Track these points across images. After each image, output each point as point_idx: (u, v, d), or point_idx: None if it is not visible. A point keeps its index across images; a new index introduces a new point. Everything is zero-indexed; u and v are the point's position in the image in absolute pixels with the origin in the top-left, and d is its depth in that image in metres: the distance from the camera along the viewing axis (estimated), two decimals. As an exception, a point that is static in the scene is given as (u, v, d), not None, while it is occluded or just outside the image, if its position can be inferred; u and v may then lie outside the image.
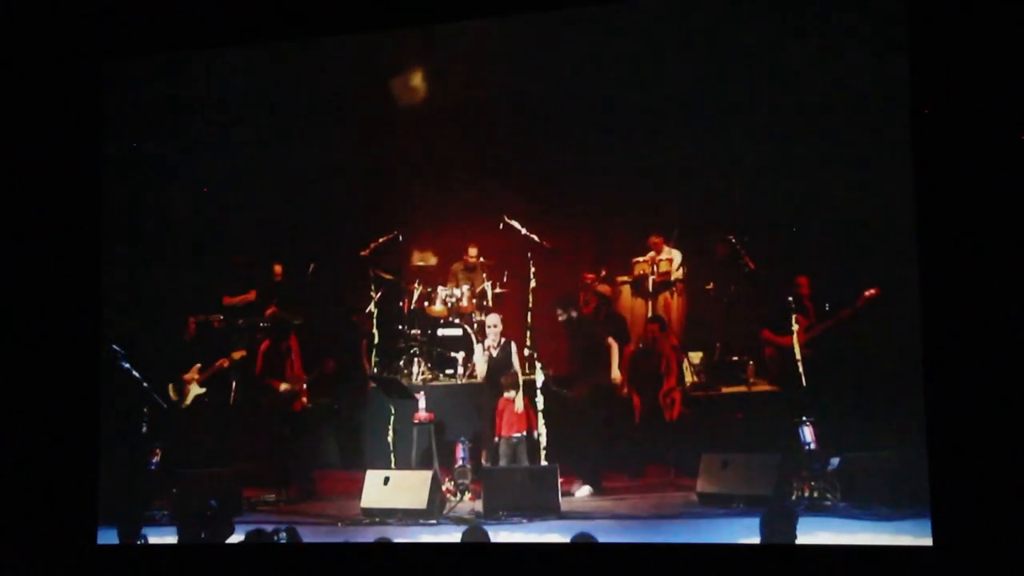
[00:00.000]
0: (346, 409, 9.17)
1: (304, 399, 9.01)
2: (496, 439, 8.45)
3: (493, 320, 8.75)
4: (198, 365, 9.20)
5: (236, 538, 7.11)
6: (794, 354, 8.23)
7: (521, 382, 8.51)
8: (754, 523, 7.01)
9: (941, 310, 6.54)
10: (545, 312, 8.87)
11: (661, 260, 9.15)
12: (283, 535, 7.00)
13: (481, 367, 8.69)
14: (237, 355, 9.27)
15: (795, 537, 6.11)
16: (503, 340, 8.65)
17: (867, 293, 7.92)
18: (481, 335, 9.04)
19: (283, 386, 8.95)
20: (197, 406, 9.18)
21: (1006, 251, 6.45)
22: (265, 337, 9.18)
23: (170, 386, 9.11)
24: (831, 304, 8.23)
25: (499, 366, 8.61)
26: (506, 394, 8.48)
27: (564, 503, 7.96)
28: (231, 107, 9.14)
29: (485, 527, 7.25)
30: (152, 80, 8.93)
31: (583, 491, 8.33)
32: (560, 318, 8.75)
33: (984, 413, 6.31)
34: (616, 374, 8.62)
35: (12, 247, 8.12)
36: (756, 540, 6.60)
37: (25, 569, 7.28)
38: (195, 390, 9.16)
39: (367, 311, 9.38)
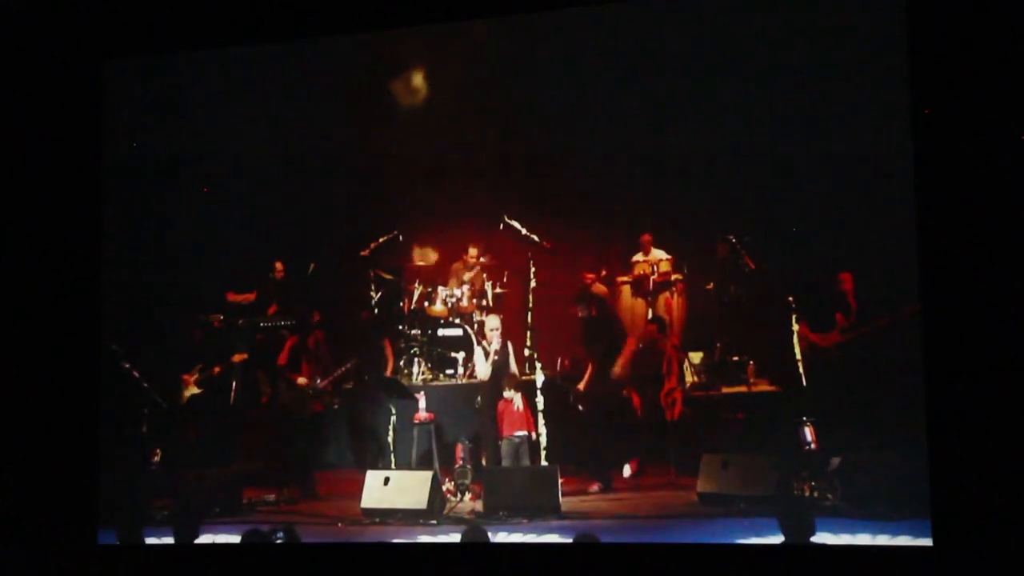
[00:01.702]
0: (345, 409, 9.17)
1: (323, 401, 9.03)
2: (499, 440, 8.44)
3: (493, 323, 8.74)
4: (199, 365, 9.19)
5: (233, 538, 7.10)
6: (794, 354, 8.23)
7: (520, 382, 8.50)
8: (754, 523, 7.07)
9: (942, 310, 6.54)
10: (545, 312, 8.87)
11: (661, 260, 9.15)
12: (280, 535, 7.00)
13: (484, 369, 8.68)
14: (237, 358, 9.28)
15: (813, 532, 6.08)
16: (502, 342, 8.65)
17: (910, 309, 7.73)
18: (481, 336, 9.03)
19: (300, 379, 8.97)
20: (197, 406, 9.18)
21: (1007, 251, 6.45)
22: (293, 333, 9.20)
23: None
24: (826, 305, 8.23)
25: (500, 368, 8.60)
26: (505, 394, 8.48)
27: (564, 503, 7.96)
28: (231, 107, 9.14)
29: (485, 527, 7.25)
30: (152, 80, 8.93)
31: (595, 489, 8.32)
32: (581, 315, 8.75)
33: (984, 414, 6.31)
34: (618, 369, 8.61)
35: (12, 247, 8.12)
36: (755, 540, 6.61)
37: (25, 569, 7.28)
38: (191, 390, 9.14)
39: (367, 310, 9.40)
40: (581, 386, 8.62)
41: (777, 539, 6.23)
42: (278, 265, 9.63)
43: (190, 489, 8.46)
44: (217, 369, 9.16)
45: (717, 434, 8.23)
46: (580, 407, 8.61)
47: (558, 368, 8.79)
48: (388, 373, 9.15)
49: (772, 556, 6.31)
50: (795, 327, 8.24)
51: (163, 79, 8.95)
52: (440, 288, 9.49)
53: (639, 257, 9.20)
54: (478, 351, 8.79)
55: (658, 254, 9.16)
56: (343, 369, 9.04)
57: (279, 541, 6.96)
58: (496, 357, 8.63)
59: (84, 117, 8.30)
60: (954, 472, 6.32)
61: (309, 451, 9.02)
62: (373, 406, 8.97)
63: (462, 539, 7.03)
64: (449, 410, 8.83)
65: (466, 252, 9.63)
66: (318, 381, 8.98)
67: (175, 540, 7.30)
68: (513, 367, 8.58)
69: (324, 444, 9.15)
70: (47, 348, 8.02)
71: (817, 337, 8.25)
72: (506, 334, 8.69)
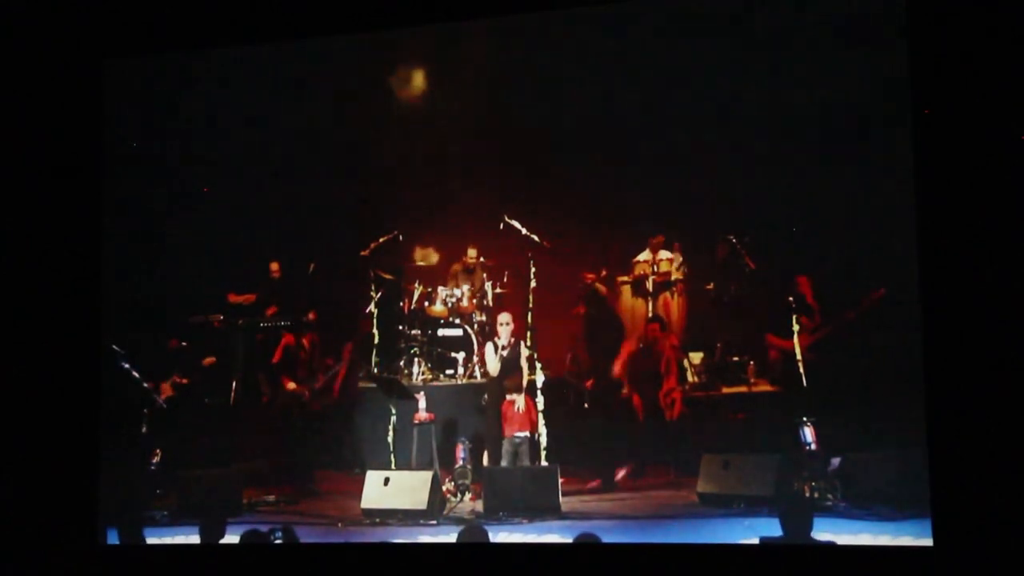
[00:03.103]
0: (346, 409, 9.17)
1: (320, 401, 9.03)
2: (502, 440, 8.44)
3: (505, 318, 8.69)
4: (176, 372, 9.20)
5: (231, 538, 7.09)
6: (795, 355, 8.24)
7: (525, 383, 8.49)
8: (755, 523, 7.07)
9: (942, 310, 6.54)
10: (545, 312, 8.87)
11: (661, 260, 9.16)
12: (279, 535, 7.00)
13: (494, 365, 8.64)
14: (207, 362, 9.30)
15: (811, 529, 6.09)
16: (513, 339, 8.64)
17: (874, 295, 7.86)
18: (484, 335, 9.02)
19: (291, 385, 8.96)
20: (197, 406, 9.19)
21: (1007, 251, 6.45)
22: (288, 331, 9.22)
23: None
24: (831, 305, 8.23)
25: (510, 364, 8.58)
26: (508, 396, 8.47)
27: (564, 503, 7.95)
28: (231, 107, 9.14)
29: (485, 527, 7.25)
30: (152, 80, 8.93)
31: (594, 485, 8.33)
32: (583, 312, 8.81)
33: (984, 414, 6.31)
34: (617, 369, 8.62)
35: (12, 247, 8.12)
36: (755, 540, 6.60)
37: (26, 569, 7.27)
38: (167, 392, 9.12)
39: (367, 311, 9.40)
40: (589, 384, 8.60)
41: (776, 534, 6.22)
42: (273, 266, 9.63)
43: (192, 489, 8.45)
44: (186, 380, 9.15)
45: (717, 434, 8.23)
46: (586, 404, 8.62)
47: (567, 364, 8.82)
48: (339, 377, 9.13)
49: (772, 556, 6.30)
50: (795, 327, 8.25)
51: (163, 79, 8.95)
52: (440, 288, 9.52)
53: (642, 256, 9.20)
54: (489, 347, 8.75)
55: (660, 254, 9.17)
56: (339, 368, 9.04)
57: (277, 541, 6.96)
58: (505, 352, 8.59)
59: (84, 117, 8.30)
60: (954, 472, 6.32)
61: (309, 451, 9.01)
62: (370, 406, 9.00)
63: (461, 539, 7.02)
64: (449, 410, 8.83)
65: (465, 253, 9.64)
66: (291, 386, 8.99)
67: (201, 539, 7.28)
68: (522, 365, 8.54)
69: (321, 444, 9.14)
70: (47, 348, 8.01)
71: (787, 343, 8.25)
72: (515, 332, 8.67)
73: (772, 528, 6.38)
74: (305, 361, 9.09)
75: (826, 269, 8.24)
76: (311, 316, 9.28)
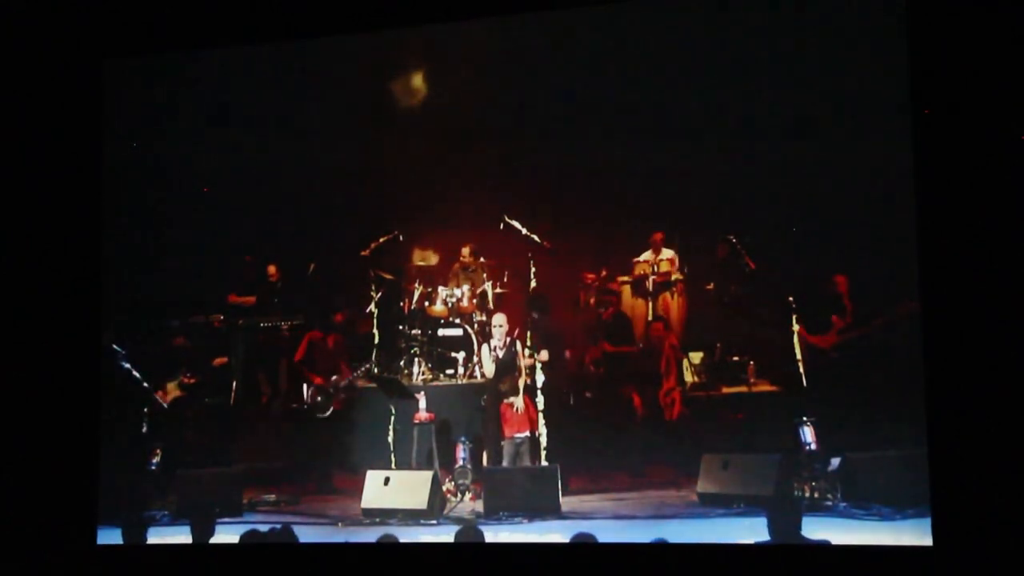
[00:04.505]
0: (347, 409, 9.18)
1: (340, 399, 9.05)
2: (502, 441, 8.44)
3: (499, 320, 8.72)
4: (184, 370, 9.19)
5: (231, 538, 7.09)
6: (794, 354, 8.24)
7: (522, 385, 8.49)
8: (755, 523, 7.06)
9: (942, 310, 6.54)
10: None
11: (662, 260, 9.16)
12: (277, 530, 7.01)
13: (488, 367, 8.66)
14: (218, 362, 9.31)
15: (800, 530, 6.09)
16: (508, 340, 8.63)
17: (908, 304, 7.76)
18: (484, 335, 9.02)
19: (317, 380, 8.98)
20: (197, 406, 9.19)
21: (1007, 251, 6.44)
22: (312, 328, 9.23)
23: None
24: (820, 306, 8.24)
25: (506, 365, 8.59)
26: (506, 400, 8.47)
27: (564, 503, 7.95)
28: (231, 107, 9.14)
29: (483, 527, 7.25)
30: (152, 80, 8.93)
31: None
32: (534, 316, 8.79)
33: (984, 413, 6.31)
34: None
35: (12, 247, 8.12)
36: (755, 540, 6.60)
37: (25, 569, 7.28)
38: (173, 392, 9.11)
39: (367, 311, 9.40)
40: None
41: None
42: (271, 269, 9.63)
43: (192, 489, 8.45)
44: (194, 379, 9.15)
45: (717, 434, 8.23)
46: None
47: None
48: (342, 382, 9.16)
49: (772, 556, 6.29)
50: (795, 327, 8.25)
51: (163, 79, 8.96)
52: (440, 288, 9.51)
53: (647, 256, 9.20)
54: (484, 348, 8.75)
55: (663, 253, 9.17)
56: (362, 370, 9.09)
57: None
58: (499, 354, 8.59)
59: (84, 117, 8.30)
60: (954, 472, 6.32)
61: (332, 448, 8.99)
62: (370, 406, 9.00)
63: (458, 539, 7.02)
64: (449, 410, 8.83)
65: (461, 252, 9.65)
66: (338, 379, 9.00)
67: (193, 539, 7.28)
68: (520, 365, 8.53)
69: (340, 443, 9.12)
70: (47, 348, 8.02)
71: (816, 339, 8.26)
72: (508, 333, 8.67)
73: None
74: (330, 358, 9.08)
75: (826, 269, 8.25)
76: (338, 318, 9.28)
